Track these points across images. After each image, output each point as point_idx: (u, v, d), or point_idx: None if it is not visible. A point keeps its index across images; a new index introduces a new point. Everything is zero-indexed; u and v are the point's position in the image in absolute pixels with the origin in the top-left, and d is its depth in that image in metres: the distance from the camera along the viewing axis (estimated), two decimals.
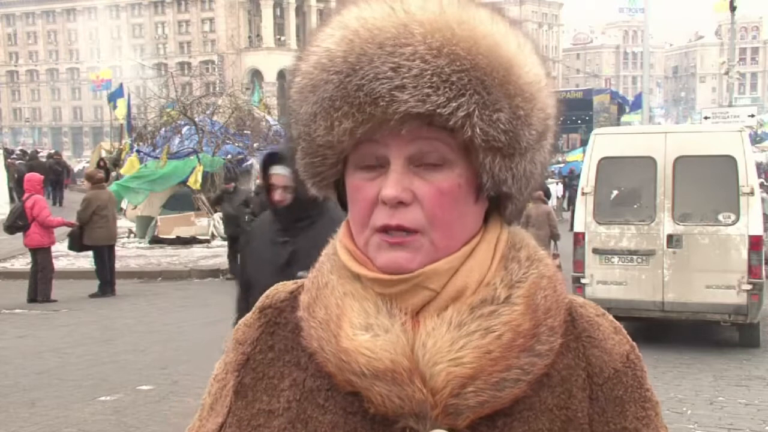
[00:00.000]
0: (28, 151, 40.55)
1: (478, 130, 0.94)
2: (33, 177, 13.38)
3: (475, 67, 0.94)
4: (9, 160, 29.17)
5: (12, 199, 22.77)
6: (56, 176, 30.23)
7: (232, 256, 14.52)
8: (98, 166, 25.67)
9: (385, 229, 0.97)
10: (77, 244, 13.14)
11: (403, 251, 0.97)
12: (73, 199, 24.91)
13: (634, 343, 1.08)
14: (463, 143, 0.96)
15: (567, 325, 1.03)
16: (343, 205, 1.06)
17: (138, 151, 20.78)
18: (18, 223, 12.41)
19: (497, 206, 1.04)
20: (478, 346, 0.95)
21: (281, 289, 1.13)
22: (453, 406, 0.95)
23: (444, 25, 0.95)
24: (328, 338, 0.99)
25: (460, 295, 0.99)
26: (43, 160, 32.49)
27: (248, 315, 1.13)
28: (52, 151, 42.11)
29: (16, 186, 25.11)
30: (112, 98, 27.37)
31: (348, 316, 0.99)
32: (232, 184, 15.36)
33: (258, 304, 1.12)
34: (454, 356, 0.95)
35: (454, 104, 0.93)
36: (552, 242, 15.07)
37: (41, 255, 12.72)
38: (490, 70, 0.95)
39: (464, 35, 0.95)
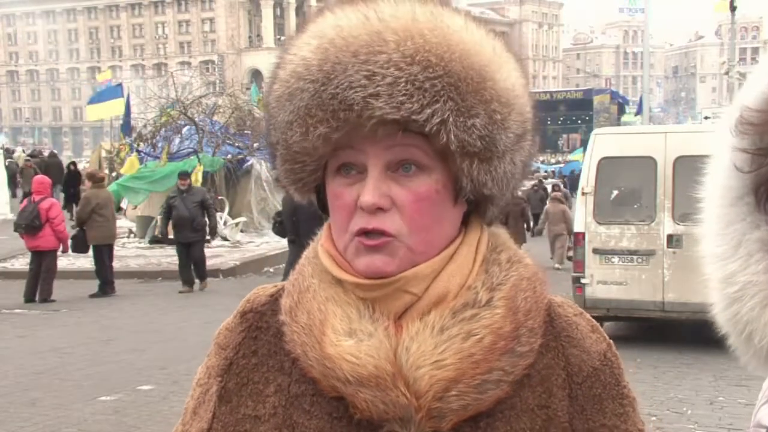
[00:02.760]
0: (28, 151, 40.58)
1: (452, 136, 0.95)
2: (44, 180, 13.43)
3: (448, 73, 0.95)
4: (27, 162, 29.21)
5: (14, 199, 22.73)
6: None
7: (184, 264, 13.67)
8: (68, 168, 25.61)
9: (363, 233, 0.98)
10: (82, 245, 13.12)
11: (381, 254, 0.98)
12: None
13: (611, 341, 1.10)
14: (440, 148, 0.96)
15: (546, 325, 1.04)
16: (324, 209, 1.07)
17: (138, 151, 20.75)
18: (35, 223, 12.43)
19: (476, 208, 1.05)
20: (460, 349, 0.96)
21: (261, 292, 1.13)
22: (436, 410, 0.96)
23: (416, 33, 0.95)
24: (312, 344, 0.99)
25: (441, 300, 1.00)
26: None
27: (229, 319, 1.13)
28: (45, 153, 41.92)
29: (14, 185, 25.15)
30: (104, 97, 26.93)
31: (331, 321, 0.99)
32: (187, 181, 13.88)
33: (239, 308, 1.12)
34: (437, 359, 0.96)
35: (428, 111, 0.94)
36: (569, 237, 15.67)
37: (49, 257, 12.74)
38: (464, 75, 0.95)
39: (436, 42, 0.95)
